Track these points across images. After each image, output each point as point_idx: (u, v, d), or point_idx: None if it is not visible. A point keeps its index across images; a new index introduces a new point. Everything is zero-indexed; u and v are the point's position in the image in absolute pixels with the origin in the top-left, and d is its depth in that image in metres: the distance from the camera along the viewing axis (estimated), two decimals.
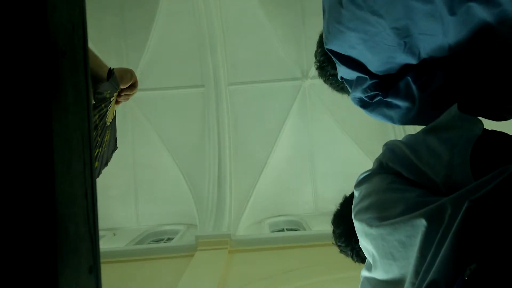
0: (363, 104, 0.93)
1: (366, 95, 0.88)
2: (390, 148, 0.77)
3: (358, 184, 0.83)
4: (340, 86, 1.06)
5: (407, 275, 0.58)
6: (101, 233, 6.41)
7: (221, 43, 6.68)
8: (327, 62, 1.03)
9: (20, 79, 0.30)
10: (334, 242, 1.05)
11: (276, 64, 6.83)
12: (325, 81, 1.11)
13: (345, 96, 1.09)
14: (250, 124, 7.03)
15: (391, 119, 0.89)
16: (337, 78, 1.00)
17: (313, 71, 6.76)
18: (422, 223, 0.55)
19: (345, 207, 1.01)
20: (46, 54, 0.31)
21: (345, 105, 7.29)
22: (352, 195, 1.02)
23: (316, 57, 1.10)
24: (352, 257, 0.99)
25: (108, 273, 4.28)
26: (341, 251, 1.03)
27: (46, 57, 0.31)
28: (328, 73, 1.05)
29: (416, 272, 0.55)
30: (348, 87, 0.95)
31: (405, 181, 0.71)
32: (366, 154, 6.96)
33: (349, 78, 0.92)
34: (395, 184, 0.71)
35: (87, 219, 0.35)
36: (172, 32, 6.54)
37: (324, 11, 0.86)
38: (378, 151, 0.83)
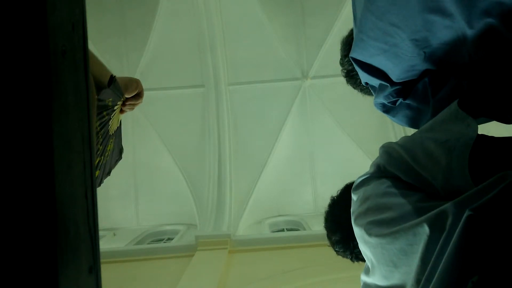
0: (386, 109, 0.94)
1: (389, 101, 0.89)
2: (387, 151, 0.77)
3: (356, 188, 0.82)
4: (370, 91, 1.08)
5: (408, 281, 0.58)
6: (101, 233, 6.41)
7: (221, 43, 6.68)
8: (356, 71, 1.05)
9: (20, 79, 0.30)
10: (329, 245, 1.04)
11: (276, 64, 6.83)
12: (354, 88, 1.13)
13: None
14: (250, 124, 7.03)
15: (414, 121, 0.89)
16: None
17: (313, 71, 6.77)
18: (425, 230, 0.54)
19: (336, 210, 1.00)
20: (46, 54, 0.31)
21: (345, 105, 7.29)
22: (340, 195, 1.02)
23: (343, 66, 1.11)
24: (351, 259, 0.98)
25: (108, 273, 4.28)
26: (338, 254, 1.02)
27: (46, 57, 0.31)
28: (358, 80, 1.06)
29: (417, 280, 0.54)
30: (372, 92, 0.96)
31: (404, 185, 0.70)
32: (366, 154, 6.95)
33: (372, 84, 0.93)
34: (394, 188, 0.70)
35: (87, 219, 0.35)
36: (172, 32, 6.54)
37: (355, 19, 0.87)
38: (378, 151, 0.83)
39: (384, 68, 0.83)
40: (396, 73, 0.81)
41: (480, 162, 0.58)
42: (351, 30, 1.02)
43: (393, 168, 0.73)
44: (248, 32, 6.64)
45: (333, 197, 1.05)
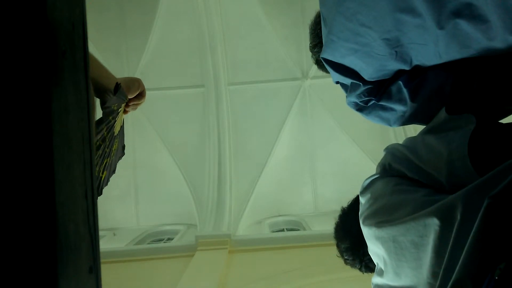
0: (359, 107, 0.93)
1: (361, 100, 0.89)
2: (391, 152, 0.78)
3: (363, 190, 0.82)
4: None
5: (419, 276, 0.58)
6: (101, 233, 6.41)
7: (221, 43, 6.67)
8: None
9: (20, 79, 0.30)
10: (339, 256, 1.01)
11: (276, 64, 6.83)
12: (325, 72, 1.12)
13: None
14: (250, 124, 7.03)
15: (387, 121, 0.89)
16: None
17: (313, 71, 6.77)
18: (434, 222, 0.54)
19: (346, 219, 0.99)
20: (46, 54, 0.31)
21: (345, 105, 7.24)
22: (351, 205, 1.01)
23: (313, 53, 1.09)
24: (360, 269, 0.96)
25: (108, 273, 4.28)
26: (347, 263, 1.00)
27: (46, 57, 0.31)
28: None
29: (433, 272, 0.54)
30: (344, 90, 0.96)
31: (410, 182, 0.71)
32: (366, 154, 6.95)
33: (344, 82, 0.92)
34: (401, 186, 0.71)
35: (87, 219, 0.35)
36: (172, 32, 6.54)
37: (324, 20, 0.87)
38: (378, 150, 0.83)
39: (356, 67, 0.83)
40: (368, 72, 0.81)
41: (482, 151, 0.58)
42: (318, 17, 1.00)
43: (398, 165, 0.74)
44: (248, 32, 6.64)
45: (343, 208, 1.03)
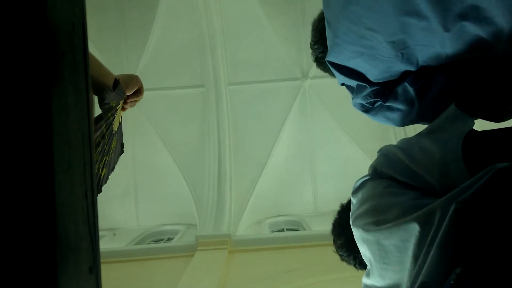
0: (365, 109, 0.93)
1: (367, 101, 0.89)
2: (384, 154, 0.78)
3: (355, 191, 0.83)
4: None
5: (402, 280, 0.58)
6: (101, 233, 6.41)
7: (221, 43, 6.67)
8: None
9: (20, 79, 0.30)
10: (335, 251, 1.03)
11: (276, 64, 6.83)
12: (324, 71, 1.11)
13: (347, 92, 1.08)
14: (250, 124, 7.03)
15: (394, 122, 0.89)
16: None
17: (313, 71, 6.77)
18: (415, 227, 0.55)
19: (343, 216, 1.00)
20: (46, 54, 0.31)
21: (345, 105, 7.29)
22: (349, 202, 1.02)
23: (313, 51, 1.08)
24: (354, 265, 0.97)
25: (108, 273, 4.27)
26: (342, 259, 1.02)
27: (46, 57, 0.31)
28: (328, 67, 1.06)
29: (410, 276, 0.55)
30: (349, 92, 0.95)
31: (401, 185, 0.71)
32: (366, 154, 6.95)
33: (350, 84, 0.92)
34: (391, 188, 0.71)
35: (87, 219, 0.35)
36: (172, 32, 6.54)
37: (328, 23, 0.86)
38: (378, 151, 0.83)
39: (362, 70, 0.83)
40: (374, 74, 0.81)
41: (476, 154, 0.59)
42: (322, 14, 1.00)
43: (389, 169, 0.74)
44: (248, 32, 6.64)
45: (342, 204, 1.05)
